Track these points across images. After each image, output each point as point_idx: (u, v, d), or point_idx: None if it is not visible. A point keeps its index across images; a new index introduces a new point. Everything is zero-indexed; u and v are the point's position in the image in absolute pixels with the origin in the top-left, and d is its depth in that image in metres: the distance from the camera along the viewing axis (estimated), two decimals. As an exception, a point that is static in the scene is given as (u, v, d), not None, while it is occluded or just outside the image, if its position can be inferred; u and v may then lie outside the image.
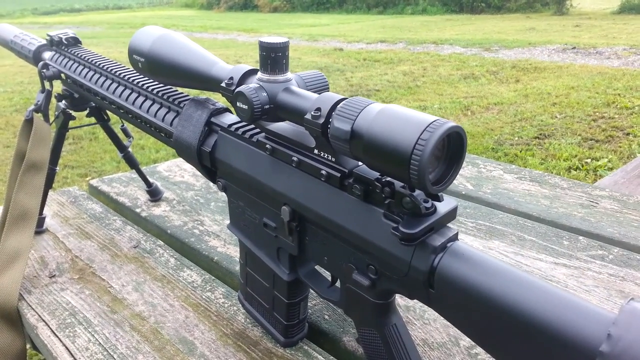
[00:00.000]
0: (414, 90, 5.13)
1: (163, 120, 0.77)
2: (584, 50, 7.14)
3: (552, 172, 2.79)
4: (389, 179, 0.50)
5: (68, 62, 0.96)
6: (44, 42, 1.02)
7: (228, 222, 0.75)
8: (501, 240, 0.98)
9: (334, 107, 0.50)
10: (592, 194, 1.17)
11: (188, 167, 1.37)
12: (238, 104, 0.58)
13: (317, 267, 0.69)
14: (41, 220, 1.04)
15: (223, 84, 0.62)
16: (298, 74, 0.61)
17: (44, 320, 0.77)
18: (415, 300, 0.80)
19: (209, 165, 0.71)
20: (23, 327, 0.81)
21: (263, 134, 0.63)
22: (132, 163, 1.14)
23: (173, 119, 0.75)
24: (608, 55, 6.69)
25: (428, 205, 0.49)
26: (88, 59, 0.93)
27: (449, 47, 7.89)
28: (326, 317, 0.77)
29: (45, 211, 1.06)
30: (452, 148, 0.46)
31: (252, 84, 0.58)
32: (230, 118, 0.70)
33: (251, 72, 0.62)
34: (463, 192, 1.20)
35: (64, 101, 1.02)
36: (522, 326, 0.42)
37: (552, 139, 3.56)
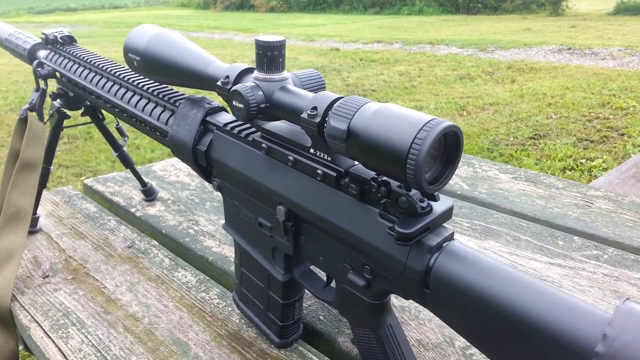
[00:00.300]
0: (410, 90, 5.14)
1: (158, 119, 0.76)
2: (579, 51, 7.17)
3: (547, 173, 2.80)
4: (385, 178, 0.50)
5: (63, 60, 0.96)
6: (39, 40, 1.01)
7: (223, 222, 0.75)
8: (496, 240, 0.98)
9: (330, 106, 0.50)
10: (587, 194, 1.17)
11: (183, 166, 1.37)
12: (234, 102, 0.58)
13: (312, 268, 0.69)
14: (35, 220, 1.03)
15: (219, 83, 0.62)
16: (294, 72, 0.61)
17: (36, 321, 0.76)
18: (410, 301, 0.79)
19: (205, 164, 0.71)
20: (16, 328, 0.81)
21: (259, 133, 0.63)
22: (127, 162, 1.14)
23: (168, 118, 0.75)
24: (603, 56, 6.72)
25: (424, 204, 0.48)
26: (83, 57, 0.92)
27: (445, 48, 7.91)
28: (321, 317, 0.77)
29: (39, 211, 1.05)
30: (449, 147, 0.45)
31: (248, 82, 0.58)
32: (226, 117, 0.70)
33: (247, 71, 0.61)
34: (458, 192, 1.19)
35: (58, 100, 1.01)
36: (517, 326, 0.41)
37: (547, 139, 3.57)
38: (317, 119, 0.50)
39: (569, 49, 7.37)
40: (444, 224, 0.50)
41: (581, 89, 4.94)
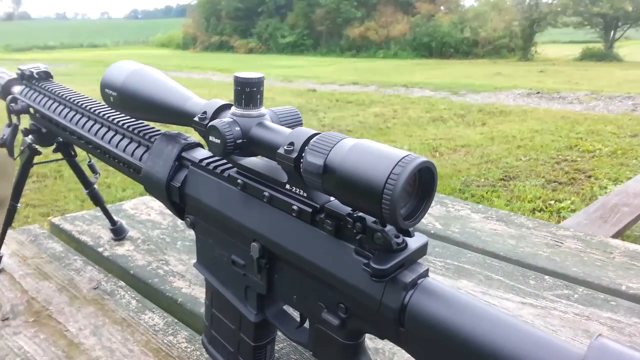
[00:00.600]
0: (384, 131, 5.22)
1: (132, 155, 0.75)
2: (548, 95, 7.41)
3: (517, 213, 2.84)
4: (360, 214, 0.50)
5: (38, 96, 0.95)
6: (15, 76, 1.00)
7: (194, 261, 0.73)
8: (469, 279, 0.98)
9: (307, 141, 0.50)
10: (556, 233, 1.19)
11: (155, 205, 1.35)
12: (211, 138, 0.58)
13: (285, 308, 0.67)
14: (-3, 260, 1.00)
15: (196, 119, 0.61)
16: (272, 109, 0.61)
17: (-7, 367, 0.73)
18: (384, 343, 0.79)
19: (178, 200, 0.70)
20: (-29, 374, 0.77)
21: (234, 169, 0.63)
22: (97, 200, 1.12)
23: (143, 154, 0.74)
24: (571, 100, 6.96)
25: (399, 240, 0.48)
26: (58, 93, 0.91)
27: (419, 91, 8.10)
28: (292, 360, 0.75)
29: (3, 250, 1.02)
30: (423, 183, 0.46)
31: (225, 118, 0.58)
32: (201, 153, 0.69)
33: (225, 107, 0.61)
34: (432, 231, 1.20)
35: (30, 136, 1.00)
36: None
37: (517, 180, 3.64)
38: (294, 155, 0.50)
39: (538, 92, 7.62)
40: (419, 260, 0.50)
41: (549, 132, 5.08)
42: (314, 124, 5.49)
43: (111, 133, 0.80)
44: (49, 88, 0.94)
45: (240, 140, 0.57)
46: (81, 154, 1.03)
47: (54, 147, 1.03)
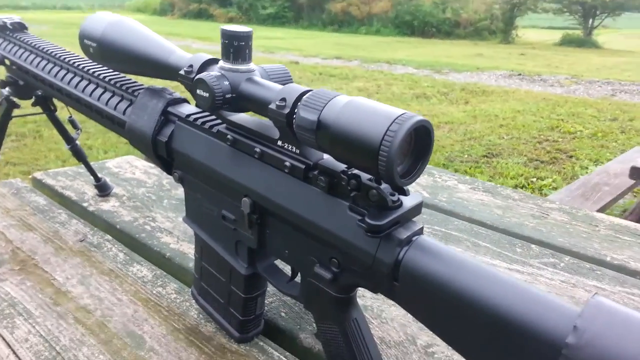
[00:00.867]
0: (367, 106, 5.19)
1: (115, 108, 0.73)
2: (529, 77, 7.47)
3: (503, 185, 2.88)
4: (355, 171, 0.49)
5: (13, 47, 0.92)
6: None
7: (181, 219, 0.72)
8: (457, 245, 0.99)
9: (299, 97, 0.49)
10: (542, 205, 1.20)
11: (139, 164, 1.33)
12: (198, 91, 0.56)
13: (276, 261, 0.67)
14: (-22, 210, 0.97)
15: (182, 72, 0.60)
16: (262, 66, 0.60)
17: (-22, 312, 0.71)
18: (372, 300, 0.79)
19: (165, 155, 0.68)
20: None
21: (224, 125, 0.61)
22: (80, 156, 1.09)
23: (126, 108, 0.72)
24: (551, 83, 7.02)
25: (394, 198, 0.48)
26: (34, 44, 0.88)
27: (402, 68, 8.08)
28: (283, 314, 0.75)
29: (-16, 201, 0.99)
30: (420, 141, 0.45)
31: (213, 72, 0.56)
32: (188, 108, 0.68)
33: (212, 61, 0.60)
34: (420, 198, 1.20)
35: (7, 88, 0.97)
36: (487, 319, 0.41)
37: (499, 158, 3.68)
38: (286, 110, 0.49)
39: (519, 74, 7.67)
40: (414, 219, 0.50)
41: (531, 113, 5.13)
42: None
43: (92, 86, 0.78)
44: (24, 39, 0.91)
45: (229, 95, 0.56)
46: (61, 113, 1.00)
47: (32, 100, 1.00)
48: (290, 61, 8.22)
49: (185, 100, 0.70)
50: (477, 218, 1.12)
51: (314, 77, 6.79)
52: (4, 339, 0.65)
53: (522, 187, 3.13)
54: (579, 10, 15.71)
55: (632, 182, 2.38)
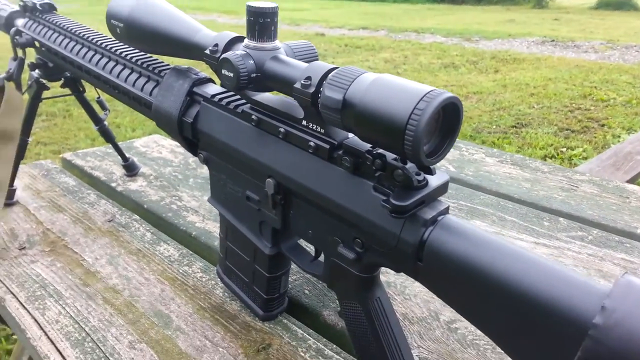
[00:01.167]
0: (394, 77, 5.12)
1: (142, 89, 0.74)
2: (562, 44, 7.22)
3: (532, 157, 2.83)
4: (380, 150, 0.48)
5: (42, 29, 0.92)
6: (17, 8, 0.97)
7: (207, 197, 0.73)
8: (482, 220, 0.98)
9: (324, 76, 0.48)
10: (572, 178, 1.17)
11: (166, 143, 1.34)
12: (223, 71, 0.56)
13: (299, 241, 0.67)
14: (11, 192, 1.00)
15: (207, 51, 0.59)
16: (287, 43, 0.59)
17: (12, 293, 0.74)
18: (396, 276, 0.79)
19: (190, 136, 0.68)
20: (-10, 299, 0.78)
21: (248, 105, 0.61)
22: (108, 136, 1.11)
23: (153, 89, 0.72)
24: (585, 49, 6.78)
25: (420, 178, 0.47)
26: (63, 25, 0.89)
27: (430, 36, 7.90)
28: (306, 291, 0.75)
29: (16, 183, 1.02)
30: (448, 119, 0.44)
31: (238, 50, 0.56)
32: (213, 88, 0.67)
33: (237, 40, 0.59)
34: (446, 174, 1.19)
35: (37, 70, 0.98)
36: (512, 299, 0.41)
37: (529, 128, 3.59)
38: (311, 89, 0.49)
39: (552, 41, 7.43)
40: (439, 198, 0.49)
41: (563, 81, 4.98)
42: (323, 68, 5.39)
43: (119, 67, 0.78)
44: (53, 20, 0.91)
45: (254, 74, 0.55)
46: (90, 94, 1.01)
47: (61, 82, 1.01)
48: (316, 33, 8.12)
49: (210, 80, 0.70)
50: (504, 192, 1.10)
51: (339, 49, 6.71)
52: (36, 320, 0.68)
53: (551, 158, 3.06)
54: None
55: (668, 150, 2.29)
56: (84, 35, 0.85)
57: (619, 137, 3.37)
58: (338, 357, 0.63)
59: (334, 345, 0.65)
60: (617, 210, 1.02)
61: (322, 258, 0.61)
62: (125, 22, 0.67)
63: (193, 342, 0.65)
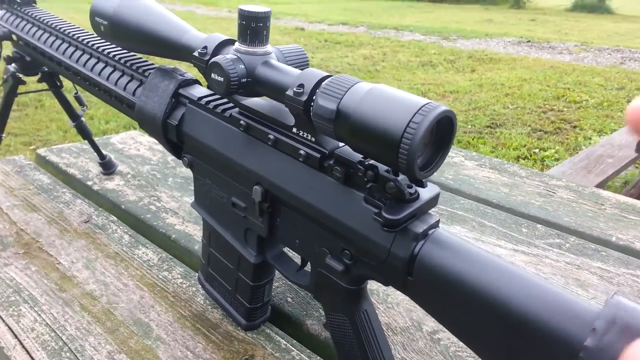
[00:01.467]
0: (373, 74, 5.14)
1: (125, 89, 0.72)
2: (537, 44, 7.33)
3: (510, 162, 2.87)
4: (372, 162, 0.48)
5: (20, 22, 0.89)
6: None
7: (187, 198, 0.72)
8: (462, 226, 0.98)
9: (318, 84, 0.47)
10: (549, 183, 1.19)
11: (144, 140, 1.32)
12: (213, 75, 0.54)
13: (285, 249, 0.66)
14: (-17, 190, 0.97)
15: (196, 53, 0.58)
16: (278, 47, 0.58)
17: (-16, 298, 0.71)
18: (379, 284, 0.79)
19: (175, 139, 0.67)
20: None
21: (236, 109, 0.60)
22: (85, 133, 1.08)
23: (136, 88, 0.71)
24: (560, 50, 6.90)
25: (412, 191, 0.47)
26: (43, 19, 0.86)
27: (409, 34, 7.94)
28: (289, 299, 0.75)
29: (-12, 180, 0.99)
30: (442, 133, 0.44)
31: (228, 54, 0.54)
32: (200, 90, 0.66)
33: (227, 42, 0.57)
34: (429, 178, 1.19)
35: (13, 64, 0.95)
36: (501, 317, 0.40)
37: (503, 128, 3.65)
38: (304, 97, 0.48)
39: (528, 41, 7.54)
40: (430, 211, 0.49)
41: (538, 81, 5.06)
42: (301, 63, 5.36)
43: (101, 65, 0.76)
44: (32, 14, 0.88)
45: (244, 80, 0.54)
46: (67, 85, 0.99)
47: (38, 76, 0.98)
48: (296, 27, 8.08)
49: (197, 82, 0.68)
50: (483, 197, 1.11)
51: (319, 45, 6.69)
52: (10, 328, 0.65)
53: (524, 159, 3.11)
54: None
55: (636, 154, 2.35)
56: (64, 30, 0.82)
57: (590, 139, 3.44)
58: (321, 367, 0.63)
59: (318, 357, 0.64)
60: (593, 217, 1.04)
61: (308, 267, 0.60)
62: (110, 20, 0.65)
63: (174, 352, 0.63)
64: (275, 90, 0.52)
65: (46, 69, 0.96)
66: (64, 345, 0.63)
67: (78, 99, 1.04)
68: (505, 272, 0.42)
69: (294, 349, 0.65)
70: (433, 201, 0.49)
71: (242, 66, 0.53)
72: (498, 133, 3.53)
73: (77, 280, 0.76)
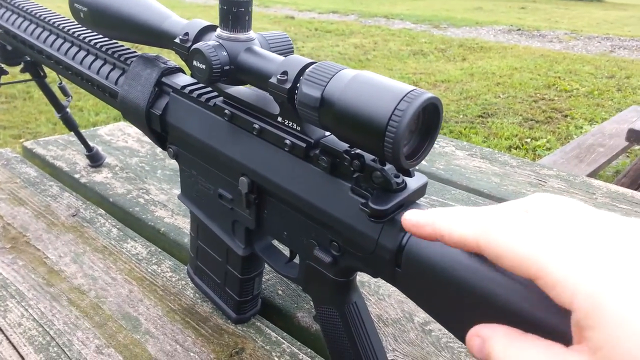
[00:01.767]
0: (364, 63, 5.12)
1: (107, 78, 0.70)
2: (528, 33, 7.34)
3: (500, 151, 2.88)
4: (358, 151, 0.47)
5: None
6: None
7: (176, 191, 0.71)
8: (454, 216, 0.98)
9: (302, 71, 0.46)
10: (540, 172, 1.19)
11: (132, 131, 1.30)
12: (194, 63, 0.53)
13: (274, 242, 0.66)
14: (-32, 184, 0.95)
15: (177, 40, 0.56)
16: (261, 33, 0.57)
17: (-30, 293, 0.70)
18: (370, 276, 0.79)
19: (159, 129, 0.66)
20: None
21: (221, 98, 0.59)
22: (71, 125, 1.06)
23: (118, 77, 0.69)
24: (550, 39, 6.91)
25: (399, 180, 0.46)
26: (23, 7, 0.84)
27: (400, 22, 7.92)
28: (280, 292, 0.74)
29: (-27, 174, 0.97)
30: (428, 120, 0.43)
31: (210, 41, 0.53)
32: (183, 79, 0.64)
33: (209, 29, 0.56)
34: (417, 168, 1.19)
35: None
36: (492, 308, 0.40)
37: (494, 118, 3.65)
38: (288, 85, 0.47)
39: (519, 30, 7.54)
40: (418, 201, 0.49)
41: (528, 70, 5.07)
42: (292, 53, 5.34)
43: (83, 53, 0.74)
44: (11, 1, 0.86)
45: (227, 67, 0.52)
46: (51, 76, 0.97)
47: (21, 66, 0.96)
48: (286, 16, 8.03)
49: (180, 70, 0.67)
50: (474, 187, 1.11)
51: (309, 33, 6.65)
52: (-3, 324, 0.65)
53: (516, 148, 3.12)
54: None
55: (627, 143, 2.36)
56: (45, 18, 0.80)
57: (582, 128, 3.46)
58: (312, 360, 0.62)
59: (309, 349, 0.64)
60: (583, 206, 1.04)
61: (297, 260, 0.59)
62: (89, 6, 0.63)
63: (163, 346, 0.63)
64: (258, 78, 0.51)
65: (28, 59, 0.94)
66: (52, 340, 0.63)
67: (62, 89, 1.02)
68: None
69: (284, 341, 0.65)
70: (421, 191, 0.48)
71: (225, 53, 0.52)
72: (490, 123, 3.53)
73: (65, 274, 0.75)
